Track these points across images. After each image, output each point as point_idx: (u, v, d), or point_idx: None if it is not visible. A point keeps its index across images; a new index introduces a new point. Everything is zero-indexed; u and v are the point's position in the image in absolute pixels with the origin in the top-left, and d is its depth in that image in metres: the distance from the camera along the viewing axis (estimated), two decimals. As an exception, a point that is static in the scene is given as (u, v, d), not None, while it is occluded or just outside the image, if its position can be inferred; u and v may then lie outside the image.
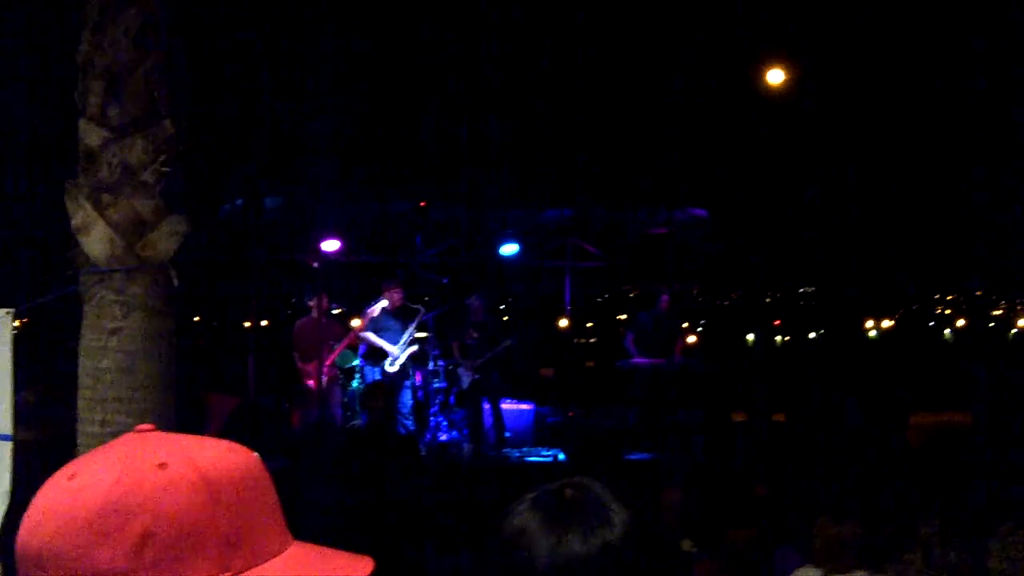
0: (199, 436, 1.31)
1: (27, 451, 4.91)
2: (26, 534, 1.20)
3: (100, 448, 1.27)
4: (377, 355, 12.58)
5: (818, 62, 12.01)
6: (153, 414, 4.32)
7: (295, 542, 1.30)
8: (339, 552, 1.31)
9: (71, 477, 1.21)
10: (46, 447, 5.85)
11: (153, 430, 1.29)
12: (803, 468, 10.24)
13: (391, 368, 12.44)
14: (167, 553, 1.16)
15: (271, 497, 1.29)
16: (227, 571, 1.18)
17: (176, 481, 1.18)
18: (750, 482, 6.63)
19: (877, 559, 4.90)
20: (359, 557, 1.31)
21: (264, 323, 17.95)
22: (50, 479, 1.24)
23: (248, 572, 1.20)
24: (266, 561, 1.23)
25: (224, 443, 1.29)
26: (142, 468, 1.19)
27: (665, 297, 13.42)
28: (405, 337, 12.51)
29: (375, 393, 8.93)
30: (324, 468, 7.99)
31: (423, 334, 13.46)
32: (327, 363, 12.53)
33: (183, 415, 4.75)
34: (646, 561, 1.52)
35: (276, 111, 11.48)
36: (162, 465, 1.20)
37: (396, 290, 12.59)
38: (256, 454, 1.32)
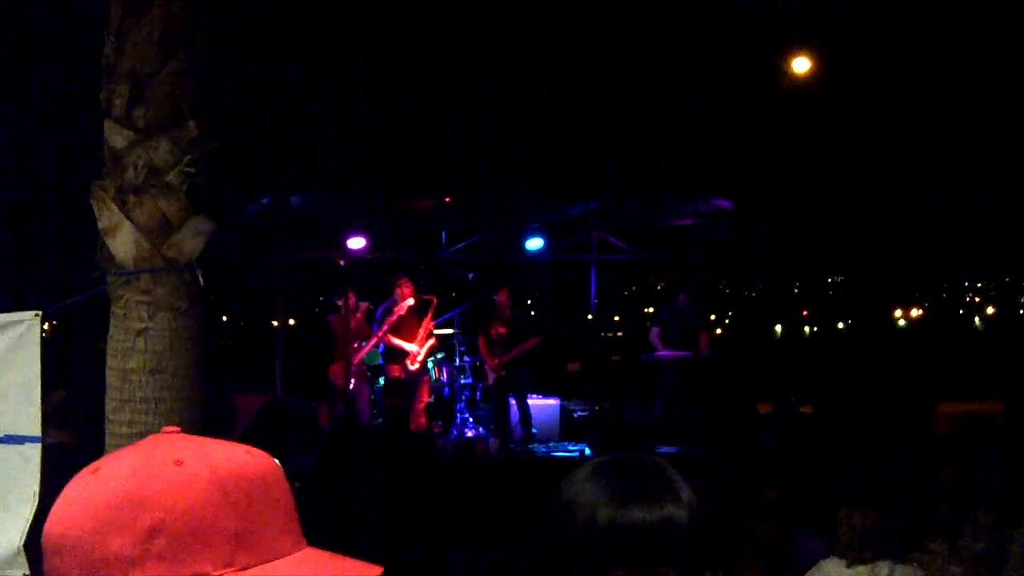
0: (222, 440, 1.35)
1: (56, 453, 4.96)
2: (49, 523, 1.26)
3: (128, 447, 1.32)
4: (396, 355, 12.56)
5: (844, 50, 11.95)
6: (180, 413, 4.36)
7: (308, 547, 1.33)
8: (349, 559, 1.34)
9: (95, 471, 1.27)
10: (75, 449, 5.90)
11: (179, 432, 1.34)
12: (830, 459, 10.22)
13: (414, 367, 12.41)
14: (176, 545, 1.21)
15: (285, 501, 1.32)
16: (232, 566, 1.22)
17: (190, 477, 1.23)
18: (759, 486, 6.60)
19: (901, 548, 4.90)
20: (369, 564, 1.33)
21: (291, 322, 18.01)
22: (78, 473, 1.29)
23: (254, 569, 1.23)
24: (277, 559, 1.26)
25: (244, 447, 1.34)
26: (159, 464, 1.25)
27: (682, 296, 13.37)
28: (420, 333, 12.48)
29: (392, 391, 8.95)
30: (348, 467, 8.01)
31: (449, 330, 13.47)
32: (355, 361, 12.56)
33: (210, 415, 4.78)
34: (708, 538, 1.52)
35: (301, 109, 11.50)
36: (179, 462, 1.25)
37: (405, 283, 12.51)
38: (275, 460, 1.35)
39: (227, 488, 1.24)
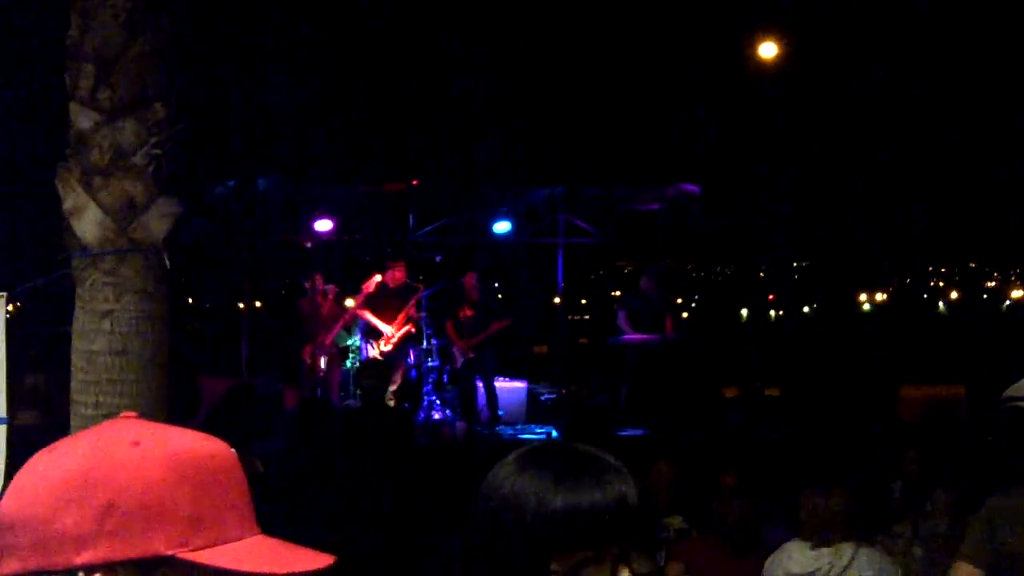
0: (179, 426, 1.37)
1: (25, 434, 4.94)
2: (5, 499, 1.28)
3: (87, 429, 1.34)
4: (375, 332, 12.57)
5: (808, 35, 12.00)
6: (146, 395, 4.35)
7: (261, 534, 1.35)
8: (301, 547, 1.35)
9: (52, 450, 1.29)
10: (44, 430, 5.88)
11: (136, 417, 1.37)
12: (795, 442, 10.30)
13: (386, 347, 12.44)
14: (129, 523, 1.22)
15: (240, 487, 1.34)
16: (186, 546, 1.24)
17: (145, 457, 1.25)
18: (719, 472, 6.64)
19: (865, 531, 4.93)
20: (320, 553, 1.35)
21: (257, 304, 17.96)
22: (37, 453, 1.31)
23: (207, 550, 1.25)
24: (229, 543, 1.28)
25: (201, 434, 1.36)
26: (116, 444, 1.27)
27: (643, 278, 13.38)
28: (400, 318, 12.50)
29: (368, 371, 8.95)
30: (319, 448, 8.01)
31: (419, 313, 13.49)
32: (326, 343, 12.55)
33: (176, 397, 4.78)
34: (649, 519, 1.48)
35: (266, 91, 11.46)
36: (135, 443, 1.27)
37: (399, 267, 12.54)
38: (231, 448, 1.38)
39: (183, 470, 1.26)
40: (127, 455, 1.25)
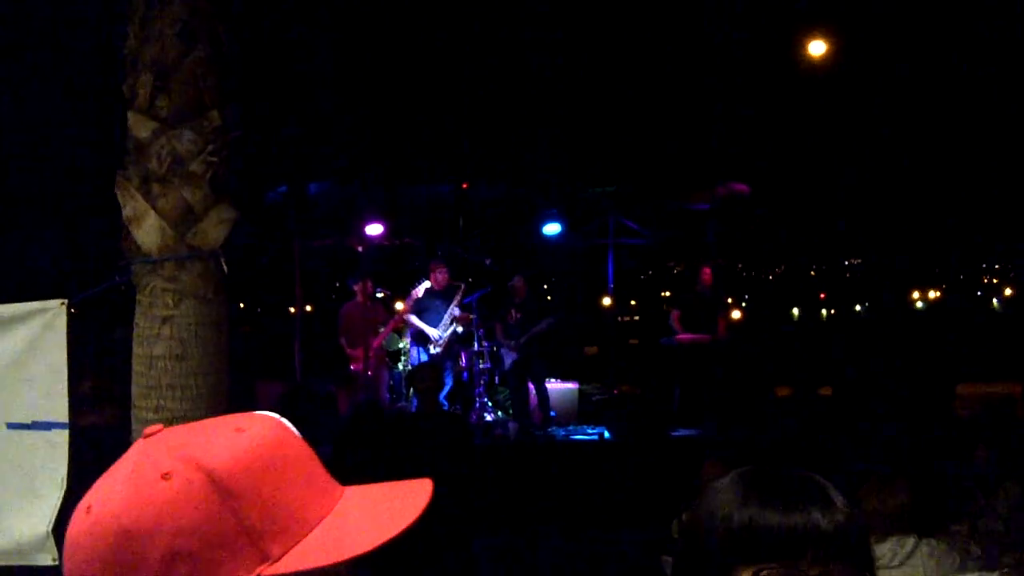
0: (207, 422, 1.26)
1: (85, 437, 5.01)
2: (65, 568, 1.19)
3: (110, 468, 1.21)
4: (424, 337, 12.65)
5: (860, 31, 11.91)
6: (205, 400, 4.40)
7: (344, 492, 1.25)
8: (394, 486, 1.26)
9: (87, 511, 1.16)
10: (104, 433, 5.96)
11: (160, 430, 1.23)
12: (849, 441, 10.23)
13: (435, 350, 12.50)
14: (197, 565, 1.11)
15: (297, 464, 1.22)
16: (266, 560, 1.13)
17: (184, 489, 1.12)
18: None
19: (926, 527, 4.91)
20: (416, 484, 1.26)
21: (308, 308, 18.07)
22: (74, 513, 1.18)
23: (291, 554, 1.14)
24: (311, 530, 1.17)
25: (234, 424, 1.22)
26: (147, 484, 1.14)
27: (707, 269, 13.34)
28: (445, 318, 12.56)
29: (422, 375, 8.98)
30: (371, 451, 8.04)
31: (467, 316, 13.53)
32: (373, 346, 12.61)
33: (233, 400, 4.83)
34: (864, 548, 1.43)
35: (320, 97, 11.53)
36: (166, 475, 1.13)
37: (441, 269, 12.62)
38: (275, 419, 1.26)
39: (226, 486, 1.13)
40: (163, 493, 1.12)
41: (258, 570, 1.12)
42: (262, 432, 1.21)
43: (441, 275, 12.59)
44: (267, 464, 1.17)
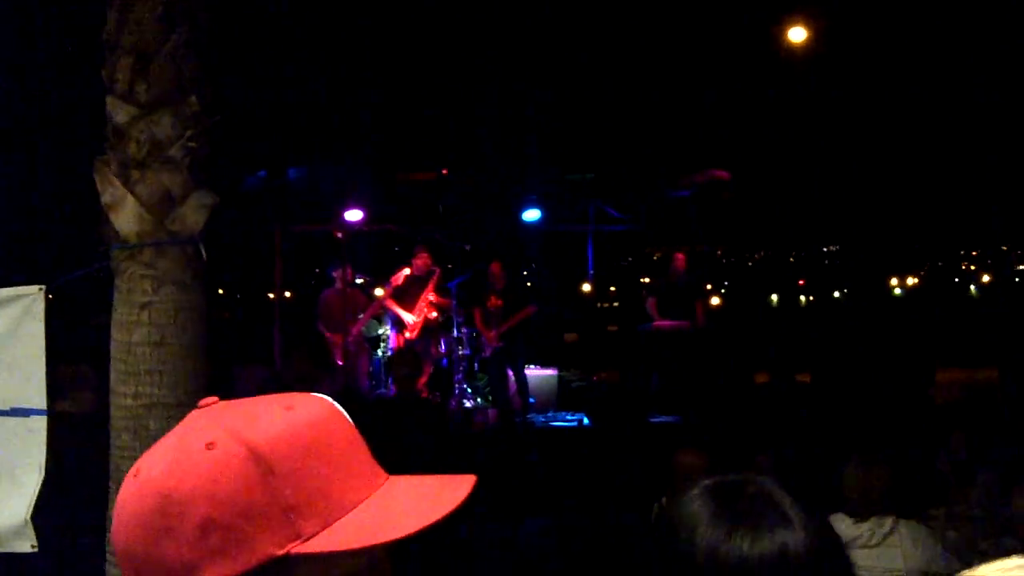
0: (260, 399, 1.27)
1: (63, 424, 4.99)
2: (112, 532, 1.21)
3: (163, 436, 1.24)
4: (401, 323, 12.65)
5: (839, 19, 11.93)
6: (185, 385, 4.39)
7: (388, 480, 1.26)
8: (439, 478, 1.26)
9: (136, 474, 1.20)
10: (81, 420, 5.94)
11: (215, 402, 1.26)
12: (828, 428, 10.28)
13: (410, 336, 12.50)
14: (230, 535, 1.13)
15: (341, 446, 1.23)
16: (298, 538, 1.14)
17: (224, 460, 1.15)
18: (752, 452, 6.64)
19: (905, 509, 4.98)
20: (460, 478, 1.26)
21: (288, 294, 18.06)
22: (125, 477, 1.22)
23: (323, 535, 1.15)
24: (347, 514, 1.17)
25: (284, 403, 1.24)
26: (191, 452, 1.17)
27: (680, 256, 13.37)
28: (420, 303, 12.54)
29: (401, 361, 8.98)
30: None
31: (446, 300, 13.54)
32: (352, 333, 12.61)
33: (213, 387, 4.82)
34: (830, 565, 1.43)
35: (297, 82, 11.50)
36: (210, 445, 1.16)
37: (422, 255, 12.61)
38: (325, 400, 1.27)
39: (267, 461, 1.15)
40: (205, 462, 1.15)
41: (288, 547, 1.13)
42: (310, 412, 1.23)
43: (422, 260, 12.58)
44: (310, 444, 1.19)
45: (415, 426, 7.70)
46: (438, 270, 12.77)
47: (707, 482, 1.51)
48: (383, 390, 12.79)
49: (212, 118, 4.46)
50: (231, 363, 12.49)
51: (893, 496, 4.95)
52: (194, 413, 1.24)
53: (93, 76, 4.48)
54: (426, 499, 1.21)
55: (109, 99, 4.37)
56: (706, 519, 1.43)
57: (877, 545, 4.86)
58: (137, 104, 4.31)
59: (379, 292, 13.40)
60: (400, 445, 7.43)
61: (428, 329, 12.72)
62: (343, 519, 1.17)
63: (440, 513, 1.18)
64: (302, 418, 1.21)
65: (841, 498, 5.07)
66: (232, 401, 1.26)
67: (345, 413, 1.28)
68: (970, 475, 6.55)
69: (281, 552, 1.13)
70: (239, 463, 1.14)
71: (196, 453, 1.16)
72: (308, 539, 1.14)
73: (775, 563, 1.38)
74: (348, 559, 1.17)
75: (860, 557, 4.86)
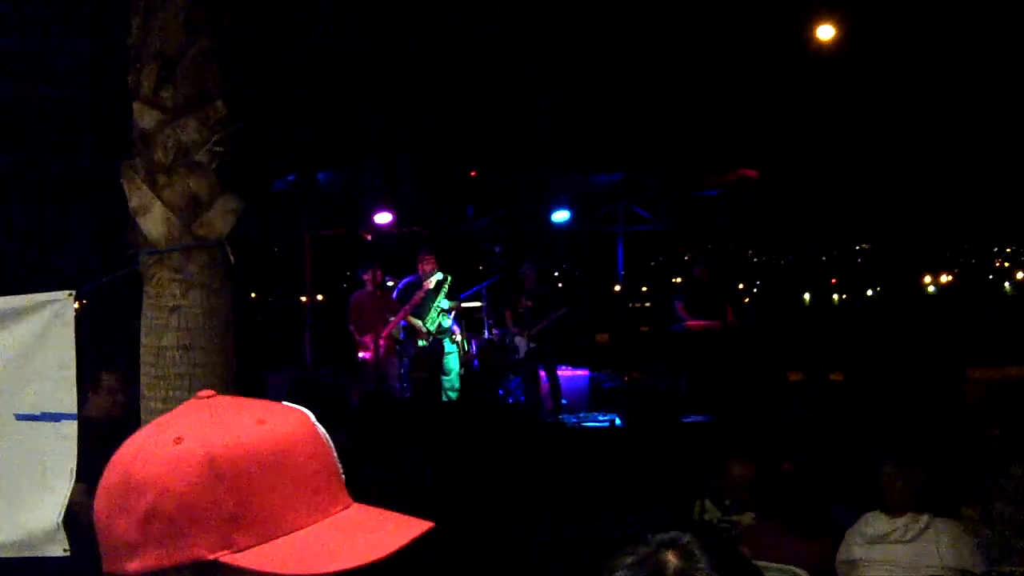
0: (244, 404, 1.31)
1: (95, 429, 5.02)
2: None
3: (159, 417, 1.31)
4: (414, 330, 12.60)
5: (869, 15, 11.85)
6: (213, 389, 4.39)
7: (348, 507, 1.29)
8: (396, 517, 1.29)
9: (121, 448, 1.27)
10: (114, 425, 5.97)
11: (210, 396, 1.32)
12: (861, 426, 10.21)
13: (424, 343, 12.43)
14: (170, 528, 1.18)
15: (304, 469, 1.26)
16: (230, 547, 1.18)
17: (183, 458, 1.20)
18: (778, 460, 6.62)
19: (940, 507, 4.98)
20: (412, 522, 1.28)
21: (320, 297, 18.11)
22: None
23: (252, 551, 1.19)
24: (287, 535, 1.21)
25: (260, 412, 1.28)
26: (161, 443, 1.23)
27: (697, 267, 13.33)
28: (432, 313, 12.47)
29: (416, 365, 9.00)
30: (379, 440, 8.06)
31: (476, 303, 13.52)
32: (383, 335, 12.62)
33: (243, 390, 4.83)
34: None
35: (326, 86, 11.52)
36: (177, 440, 1.22)
37: (428, 259, 12.54)
38: (304, 420, 1.31)
39: (219, 468, 1.19)
40: (167, 454, 1.21)
41: (219, 553, 1.18)
42: (281, 430, 1.26)
43: (428, 266, 12.51)
44: (268, 461, 1.22)
45: (431, 427, 7.70)
46: (448, 278, 12.64)
47: (629, 561, 1.44)
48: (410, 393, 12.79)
49: (238, 122, 4.47)
50: (263, 366, 12.56)
51: (928, 494, 4.95)
52: (187, 404, 1.32)
53: (120, 81, 4.51)
54: (372, 535, 1.24)
55: (135, 104, 4.39)
56: None
57: (912, 541, 4.86)
58: (163, 109, 4.33)
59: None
60: (429, 446, 7.44)
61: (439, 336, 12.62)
62: (280, 540, 1.20)
63: (379, 553, 1.20)
64: (270, 434, 1.24)
65: (877, 496, 5.06)
66: (224, 399, 1.32)
67: (322, 432, 1.31)
68: (1005, 472, 6.49)
69: (211, 557, 1.18)
70: (195, 464, 1.20)
71: (164, 444, 1.22)
72: (239, 551, 1.18)
73: None
74: None
75: (894, 552, 4.86)
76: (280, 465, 1.23)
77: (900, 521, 4.90)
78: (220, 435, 1.22)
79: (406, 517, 1.29)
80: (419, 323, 12.49)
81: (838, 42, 11.76)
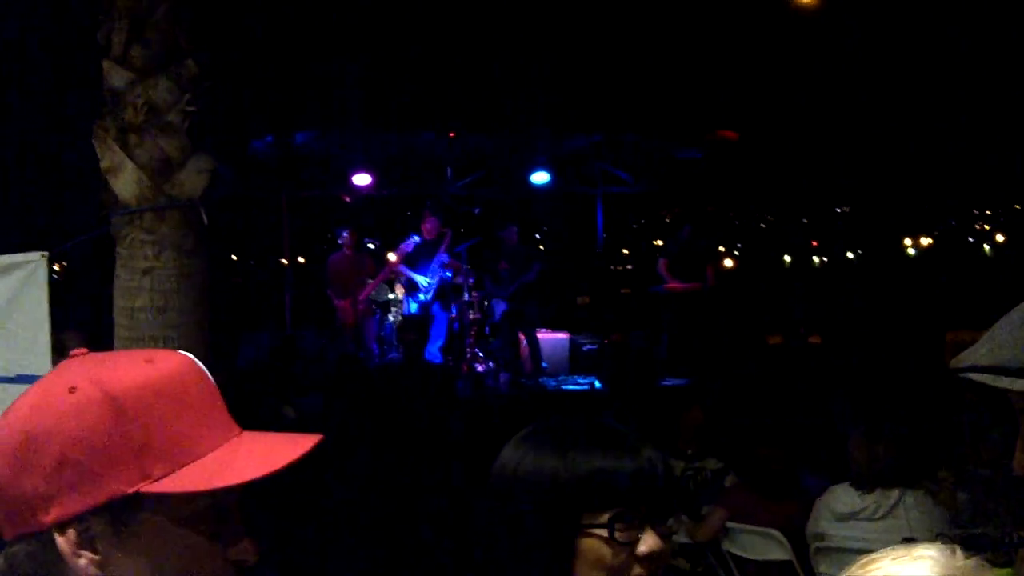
0: (125, 352, 1.38)
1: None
2: None
3: (34, 384, 1.33)
4: (415, 286, 12.61)
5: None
6: (188, 351, 4.36)
7: (241, 434, 1.35)
8: (287, 435, 1.35)
9: (5, 415, 1.29)
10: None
11: (85, 353, 1.35)
12: (838, 390, 10.25)
13: (424, 297, 12.46)
14: (83, 473, 1.22)
15: (199, 398, 1.32)
16: (147, 479, 1.23)
17: (82, 402, 1.24)
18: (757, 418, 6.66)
19: (912, 477, 4.95)
20: (300, 437, 1.33)
21: (301, 260, 18.05)
22: None
23: (171, 477, 1.24)
24: (196, 460, 1.27)
25: (146, 355, 1.33)
26: (55, 394, 1.26)
27: (687, 227, 13.30)
28: (434, 264, 12.49)
29: (408, 327, 8.98)
30: (356, 402, 8.04)
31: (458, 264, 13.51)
32: (361, 298, 12.58)
33: (218, 352, 4.80)
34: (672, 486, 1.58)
35: (304, 45, 11.43)
36: (72, 389, 1.25)
37: (431, 219, 12.52)
38: (188, 357, 1.36)
39: (121, 405, 1.24)
40: (65, 403, 1.24)
41: (138, 485, 1.23)
42: (169, 367, 1.32)
43: (431, 224, 12.50)
44: (165, 394, 1.28)
45: (421, 390, 7.69)
46: (449, 232, 12.69)
47: (546, 423, 1.66)
48: (395, 355, 12.76)
49: (210, 82, 4.42)
50: (242, 328, 12.52)
51: (898, 468, 4.92)
52: (65, 362, 1.34)
53: (90, 39, 4.45)
54: (271, 451, 1.31)
55: (105, 63, 4.34)
56: (569, 449, 1.56)
57: (882, 518, 4.84)
58: (133, 68, 4.28)
59: (392, 257, 13.33)
60: (406, 408, 7.43)
61: (444, 292, 12.67)
62: (191, 464, 1.26)
63: (280, 463, 1.27)
64: (160, 371, 1.30)
65: (845, 468, 5.05)
66: (100, 353, 1.36)
67: (205, 371, 1.36)
68: (983, 433, 6.50)
69: (131, 490, 1.23)
70: (95, 406, 1.24)
71: (58, 396, 1.25)
72: (156, 480, 1.24)
73: (648, 470, 1.53)
74: (195, 501, 1.26)
75: (864, 530, 4.84)
76: (176, 396, 1.29)
77: (870, 498, 4.85)
78: (113, 376, 1.27)
79: (296, 434, 1.34)
80: (422, 279, 12.47)
81: (817, 3, 11.72)
